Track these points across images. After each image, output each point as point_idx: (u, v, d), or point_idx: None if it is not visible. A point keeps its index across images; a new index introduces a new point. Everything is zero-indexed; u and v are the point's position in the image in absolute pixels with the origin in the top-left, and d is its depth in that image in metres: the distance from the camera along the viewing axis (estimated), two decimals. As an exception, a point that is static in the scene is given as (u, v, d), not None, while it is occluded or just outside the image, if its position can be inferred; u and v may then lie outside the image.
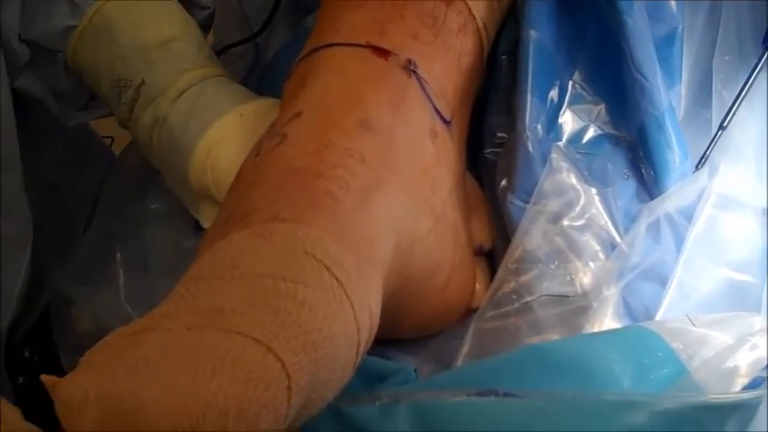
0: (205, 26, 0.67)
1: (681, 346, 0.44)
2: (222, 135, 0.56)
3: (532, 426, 0.39)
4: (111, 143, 0.85)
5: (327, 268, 0.36)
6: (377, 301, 0.40)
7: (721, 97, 0.54)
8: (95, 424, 0.30)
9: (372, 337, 0.40)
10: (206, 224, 0.59)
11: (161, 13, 0.61)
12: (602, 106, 0.56)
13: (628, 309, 0.51)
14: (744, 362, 0.42)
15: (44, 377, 0.32)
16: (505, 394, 0.40)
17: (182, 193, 0.60)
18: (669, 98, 0.53)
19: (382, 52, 0.49)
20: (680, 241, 0.52)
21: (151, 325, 0.33)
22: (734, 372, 0.42)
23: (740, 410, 0.40)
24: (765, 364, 0.42)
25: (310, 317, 0.33)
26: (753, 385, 0.41)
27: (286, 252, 0.36)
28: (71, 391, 0.31)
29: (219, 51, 0.68)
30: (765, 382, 0.41)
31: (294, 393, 0.32)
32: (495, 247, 0.56)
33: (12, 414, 0.34)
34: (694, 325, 0.45)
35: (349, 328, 0.36)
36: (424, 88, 0.49)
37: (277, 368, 0.31)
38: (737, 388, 0.41)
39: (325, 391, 0.34)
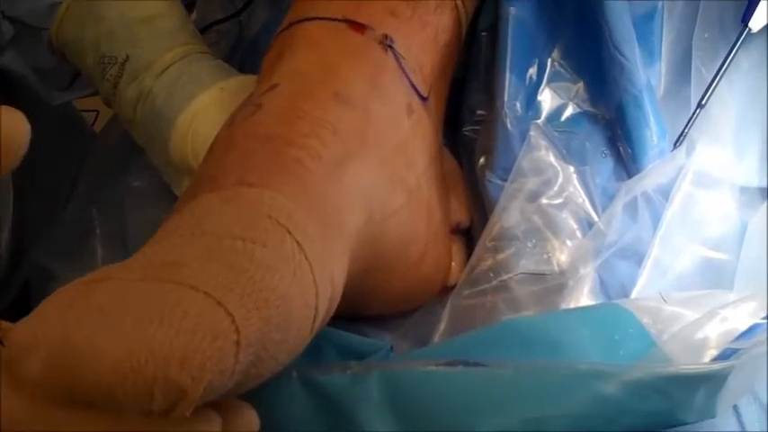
0: (188, 5, 0.67)
1: (651, 322, 0.44)
2: (203, 109, 0.56)
3: (501, 394, 0.39)
4: (96, 117, 0.85)
5: (290, 233, 0.36)
6: (341, 270, 0.40)
7: (700, 75, 0.54)
8: (41, 366, 0.30)
9: (335, 306, 0.39)
10: (186, 200, 0.59)
11: (145, -11, 0.62)
12: (581, 84, 0.56)
13: (604, 287, 0.51)
14: (713, 333, 0.42)
15: None
16: (475, 363, 0.40)
17: (163, 168, 0.61)
18: (648, 76, 0.53)
19: (359, 27, 0.49)
20: (657, 219, 0.52)
21: (107, 275, 0.33)
22: (703, 343, 0.42)
23: (709, 381, 0.40)
24: (735, 335, 0.42)
25: (266, 275, 0.33)
26: (722, 357, 0.41)
27: (250, 215, 0.36)
28: (21, 334, 0.31)
29: (203, 29, 0.68)
30: (735, 353, 0.41)
31: (242, 348, 0.31)
32: (473, 225, 0.56)
33: None
34: (666, 303, 0.46)
35: (306, 292, 0.35)
36: (400, 63, 0.49)
37: (226, 322, 0.31)
38: (707, 360, 0.42)
39: (276, 351, 0.34)
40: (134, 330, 0.30)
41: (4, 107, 0.32)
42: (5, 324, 0.32)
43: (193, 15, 0.70)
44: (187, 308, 0.31)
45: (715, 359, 0.42)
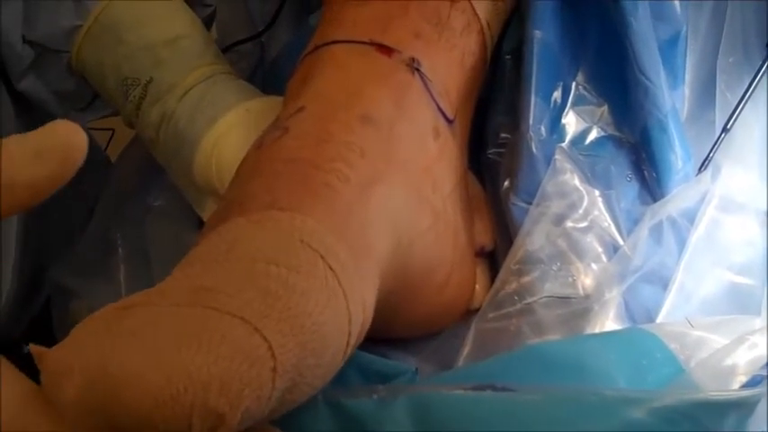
0: (206, 24, 0.67)
1: (679, 348, 0.44)
2: (227, 130, 0.56)
3: (529, 419, 0.39)
4: (112, 136, 0.85)
5: (322, 257, 0.36)
6: (371, 294, 0.40)
7: (725, 99, 0.54)
8: (78, 393, 0.30)
9: (365, 330, 0.39)
10: (209, 220, 0.59)
11: (167, 12, 0.61)
12: (606, 108, 0.56)
13: (629, 311, 0.51)
14: (742, 360, 0.42)
15: (32, 347, 0.32)
16: (503, 388, 0.40)
17: (186, 188, 0.61)
18: (672, 100, 0.53)
19: (386, 50, 0.49)
20: (682, 244, 0.52)
21: (141, 300, 0.33)
22: (732, 370, 0.42)
23: (739, 408, 0.39)
24: (764, 362, 0.42)
25: (301, 301, 0.33)
26: (752, 384, 0.41)
27: (281, 239, 0.36)
28: (56, 360, 0.31)
29: (224, 50, 0.68)
30: (765, 380, 0.41)
31: (279, 375, 0.31)
32: (496, 248, 0.56)
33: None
34: (693, 327, 0.45)
35: (340, 316, 0.35)
36: (426, 86, 0.49)
37: (263, 348, 0.31)
38: (736, 386, 0.41)
39: (311, 377, 0.34)
40: (172, 356, 0.30)
41: (62, 120, 0.33)
42: (39, 349, 0.32)
43: (213, 35, 0.70)
44: (224, 334, 0.31)
45: (743, 386, 0.41)
